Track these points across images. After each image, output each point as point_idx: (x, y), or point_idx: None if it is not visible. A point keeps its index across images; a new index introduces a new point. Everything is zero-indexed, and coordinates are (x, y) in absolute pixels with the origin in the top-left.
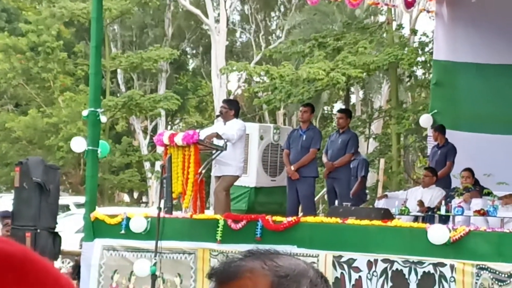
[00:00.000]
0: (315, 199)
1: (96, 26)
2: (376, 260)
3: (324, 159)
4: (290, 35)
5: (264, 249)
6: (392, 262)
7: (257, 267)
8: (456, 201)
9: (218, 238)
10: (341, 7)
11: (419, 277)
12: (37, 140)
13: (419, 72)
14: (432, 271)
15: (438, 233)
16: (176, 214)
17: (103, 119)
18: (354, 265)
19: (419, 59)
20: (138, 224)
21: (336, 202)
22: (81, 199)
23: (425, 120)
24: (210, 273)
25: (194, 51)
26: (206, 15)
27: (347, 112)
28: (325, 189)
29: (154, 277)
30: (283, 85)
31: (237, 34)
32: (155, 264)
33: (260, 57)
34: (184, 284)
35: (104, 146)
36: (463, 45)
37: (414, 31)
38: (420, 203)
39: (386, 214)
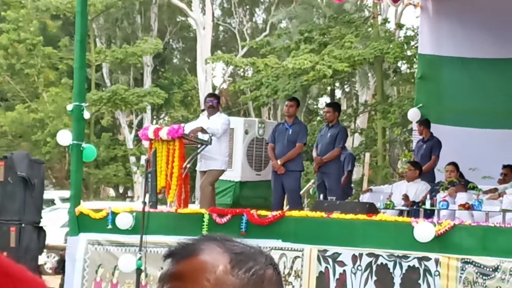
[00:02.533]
0: (300, 193)
1: (80, 20)
2: (361, 255)
3: (314, 153)
4: (274, 28)
5: (218, 234)
6: (377, 257)
7: (215, 246)
8: (441, 195)
9: (204, 232)
10: (330, 1)
11: (403, 271)
12: (23, 134)
13: (404, 66)
14: (417, 265)
15: (424, 231)
16: (161, 208)
17: (87, 115)
18: (338, 259)
19: (404, 53)
20: (125, 221)
21: (322, 196)
22: (66, 193)
23: (413, 114)
24: (167, 254)
25: (178, 45)
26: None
27: (334, 106)
28: (310, 183)
29: (139, 271)
30: (269, 81)
31: (222, 28)
32: (140, 259)
33: (245, 52)
34: None
35: (90, 150)
36: (448, 39)
37: (400, 25)
38: (405, 197)
39: (371, 208)
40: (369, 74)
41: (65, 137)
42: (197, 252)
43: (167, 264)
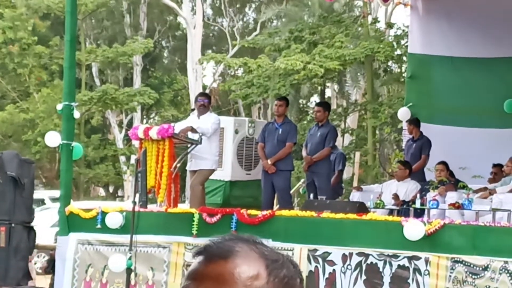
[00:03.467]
0: (291, 192)
1: (70, 20)
2: (351, 254)
3: (304, 153)
4: (265, 28)
5: (246, 235)
6: (367, 256)
7: (249, 250)
8: (431, 194)
9: (194, 232)
10: (321, 1)
11: (393, 270)
12: (13, 134)
13: (394, 66)
14: (407, 264)
15: (414, 230)
16: (151, 208)
17: (76, 114)
18: (328, 258)
19: (395, 52)
20: (115, 220)
21: (311, 196)
22: (56, 193)
23: (403, 113)
24: (199, 251)
25: (168, 44)
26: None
27: (324, 105)
28: (300, 182)
29: (129, 271)
30: (261, 82)
31: (212, 27)
32: (130, 258)
33: (235, 51)
34: (156, 278)
35: (77, 148)
36: (438, 39)
37: (390, 25)
38: (395, 197)
39: (361, 208)
40: (359, 73)
41: (53, 138)
42: (233, 254)
43: (198, 261)
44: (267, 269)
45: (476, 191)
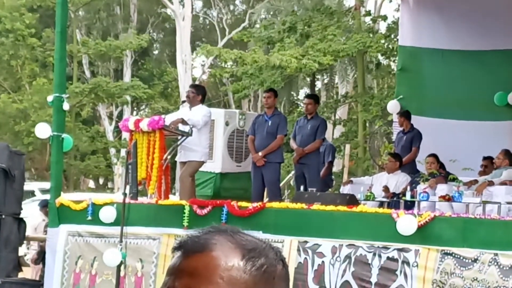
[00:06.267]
0: (281, 184)
1: (61, 11)
2: (341, 246)
3: (293, 144)
4: (254, 20)
5: (226, 226)
6: (356, 248)
7: (226, 241)
8: (421, 187)
9: (185, 224)
10: None
11: (382, 262)
12: (5, 124)
13: (385, 59)
14: (396, 256)
15: (406, 225)
16: (141, 200)
17: (66, 106)
18: (318, 250)
19: (387, 45)
20: (108, 214)
21: (302, 187)
22: (47, 185)
23: (393, 106)
24: (177, 246)
25: (158, 37)
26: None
27: (314, 98)
28: (290, 175)
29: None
30: (257, 75)
31: (201, 19)
32: (121, 250)
33: (224, 42)
34: (145, 269)
35: (67, 140)
36: (428, 31)
37: (383, 18)
38: (386, 189)
39: (352, 200)
40: (351, 66)
41: (43, 130)
42: (209, 247)
43: (177, 256)
44: (243, 259)
45: (466, 184)
